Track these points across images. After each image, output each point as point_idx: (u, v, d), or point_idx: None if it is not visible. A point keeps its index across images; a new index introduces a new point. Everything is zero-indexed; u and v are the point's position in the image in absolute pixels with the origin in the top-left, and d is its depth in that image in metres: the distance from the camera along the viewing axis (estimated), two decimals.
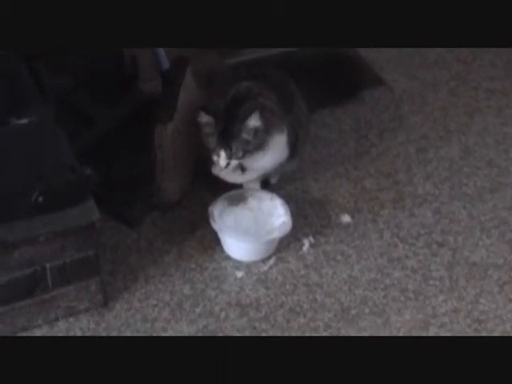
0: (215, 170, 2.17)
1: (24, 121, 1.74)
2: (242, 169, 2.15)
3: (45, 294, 1.89)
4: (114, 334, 1.92)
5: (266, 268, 2.09)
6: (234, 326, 1.95)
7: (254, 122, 2.03)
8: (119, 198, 2.22)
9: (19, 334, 1.90)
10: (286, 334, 1.93)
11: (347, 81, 2.69)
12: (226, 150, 2.04)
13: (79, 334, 1.92)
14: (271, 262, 2.11)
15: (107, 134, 2.30)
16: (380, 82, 2.73)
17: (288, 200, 2.18)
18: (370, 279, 2.06)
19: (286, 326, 1.95)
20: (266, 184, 2.27)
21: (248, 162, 2.10)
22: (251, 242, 2.10)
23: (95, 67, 2.29)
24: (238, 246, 2.10)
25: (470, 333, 1.93)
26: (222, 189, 2.18)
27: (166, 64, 2.28)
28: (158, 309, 1.99)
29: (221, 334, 1.93)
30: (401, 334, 1.92)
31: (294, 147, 2.20)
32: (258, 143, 2.07)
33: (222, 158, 2.06)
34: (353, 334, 1.93)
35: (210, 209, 2.11)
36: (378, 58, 2.81)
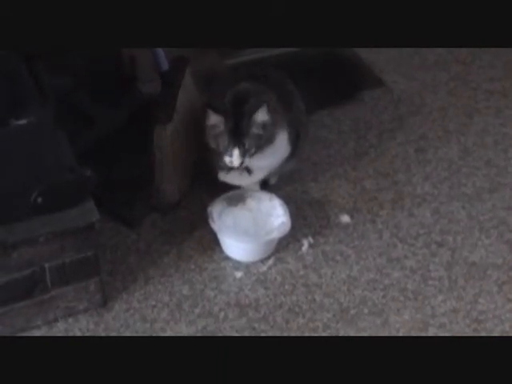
0: (222, 176, 2.18)
1: (23, 121, 1.74)
2: (249, 170, 2.15)
3: (44, 294, 1.89)
4: (113, 334, 1.92)
5: (265, 268, 2.10)
6: (233, 327, 1.95)
7: (262, 115, 2.03)
8: (119, 199, 2.22)
9: (18, 335, 1.90)
10: (285, 335, 1.93)
11: (346, 81, 2.69)
12: (239, 147, 2.03)
13: (78, 334, 1.92)
14: (270, 262, 2.11)
15: (107, 135, 2.30)
16: (379, 83, 2.73)
17: (287, 200, 2.18)
18: (369, 279, 2.06)
19: (285, 326, 1.95)
20: (265, 184, 2.28)
21: (256, 159, 2.09)
22: (250, 242, 2.10)
23: (94, 68, 2.29)
24: (237, 246, 2.10)
25: (469, 333, 1.93)
26: (221, 189, 2.18)
27: (165, 65, 2.28)
28: (157, 309, 1.99)
29: (220, 335, 1.93)
30: (400, 334, 1.93)
31: (295, 145, 2.20)
32: (268, 137, 2.07)
33: (235, 157, 2.04)
34: (352, 334, 1.93)
35: (209, 209, 2.11)
36: (377, 59, 2.81)
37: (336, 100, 2.63)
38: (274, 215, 2.14)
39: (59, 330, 1.93)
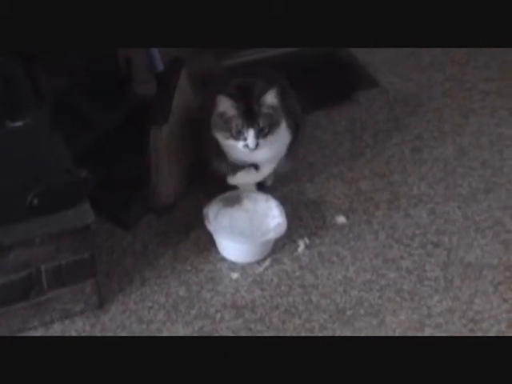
0: (230, 179, 2.19)
1: (19, 123, 1.74)
2: (256, 167, 2.17)
3: (40, 296, 1.89)
4: (110, 336, 1.92)
5: (261, 269, 2.10)
6: (230, 328, 1.95)
7: (271, 97, 2.05)
8: (114, 200, 2.22)
9: (14, 336, 1.90)
10: (282, 335, 1.93)
11: (342, 82, 2.70)
12: (253, 127, 2.04)
13: (75, 335, 1.92)
14: (266, 263, 2.11)
15: (102, 137, 2.30)
16: (375, 84, 2.73)
17: (283, 201, 2.18)
18: (365, 280, 2.07)
19: (281, 327, 1.96)
20: (261, 186, 2.28)
21: (263, 150, 2.09)
22: (246, 243, 2.10)
23: (90, 69, 2.29)
24: (233, 247, 2.10)
25: (465, 333, 1.93)
26: (217, 191, 2.18)
27: (160, 66, 2.28)
28: (154, 311, 1.99)
29: (216, 336, 1.93)
30: (396, 335, 1.93)
31: (295, 135, 2.20)
32: (276, 120, 2.08)
33: (251, 138, 2.04)
34: (348, 334, 1.93)
35: (205, 210, 2.11)
36: (372, 59, 2.81)
37: (332, 101, 2.63)
38: (270, 216, 2.15)
39: (55, 331, 1.93)
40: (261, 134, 2.05)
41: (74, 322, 1.95)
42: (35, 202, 1.81)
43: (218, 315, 1.98)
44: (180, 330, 1.94)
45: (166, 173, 2.17)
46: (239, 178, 2.20)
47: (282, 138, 2.14)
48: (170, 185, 2.20)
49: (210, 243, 2.15)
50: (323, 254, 2.14)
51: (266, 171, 2.21)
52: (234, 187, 2.21)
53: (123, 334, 1.93)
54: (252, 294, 2.03)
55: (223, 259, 2.12)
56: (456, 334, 1.93)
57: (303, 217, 2.24)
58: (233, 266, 2.10)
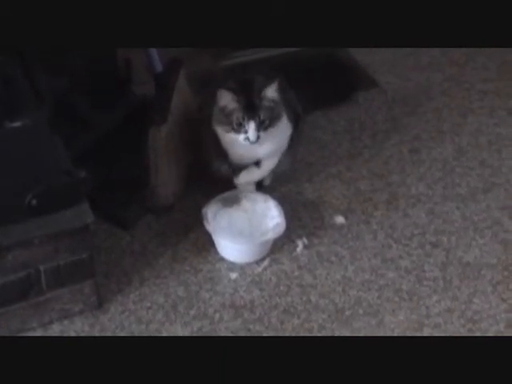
0: (236, 180, 2.20)
1: (18, 124, 1.74)
2: (257, 163, 2.18)
3: (39, 296, 1.89)
4: (109, 336, 1.92)
5: (259, 269, 2.10)
6: (229, 328, 1.95)
7: (272, 90, 2.06)
8: (113, 201, 2.22)
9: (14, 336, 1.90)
10: (281, 335, 1.93)
11: (341, 83, 2.70)
12: (254, 120, 2.05)
13: (74, 336, 1.92)
14: (265, 263, 2.11)
15: (101, 137, 2.30)
16: (373, 84, 2.73)
17: (282, 201, 2.18)
18: (363, 280, 2.07)
19: (280, 327, 1.96)
20: (260, 186, 2.28)
21: (265, 144, 2.09)
22: (245, 243, 2.10)
23: (90, 69, 2.29)
24: (232, 247, 2.10)
25: (463, 333, 1.93)
26: (215, 191, 2.19)
27: (159, 66, 2.28)
28: (153, 311, 1.99)
29: (215, 336, 1.93)
30: (395, 335, 1.93)
31: (295, 128, 2.21)
32: (277, 113, 2.09)
33: (251, 130, 2.05)
34: (347, 334, 1.93)
35: (204, 210, 2.12)
36: (371, 60, 2.81)
37: (330, 101, 2.63)
38: (269, 216, 2.15)
39: (54, 331, 1.93)
40: (261, 126, 2.06)
41: (73, 322, 1.95)
42: (34, 202, 1.81)
43: (217, 315, 1.98)
44: (179, 330, 1.94)
45: (165, 173, 2.17)
46: (242, 178, 2.21)
47: (283, 131, 2.15)
48: (168, 185, 2.20)
49: (208, 243, 2.15)
50: (322, 253, 2.14)
51: (267, 167, 2.21)
52: (232, 187, 2.21)
53: (122, 334, 1.93)
54: (251, 294, 2.03)
55: (222, 259, 2.12)
56: (455, 333, 1.93)
57: (302, 217, 2.24)
58: (232, 266, 2.11)
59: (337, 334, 1.94)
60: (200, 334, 1.93)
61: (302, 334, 1.94)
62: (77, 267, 1.90)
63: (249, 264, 2.11)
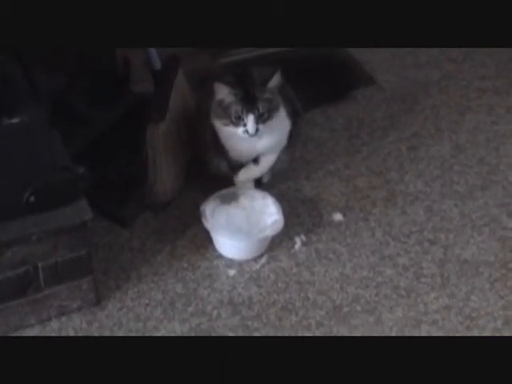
0: (237, 178, 2.20)
1: (16, 120, 1.74)
2: (255, 161, 2.18)
3: (37, 293, 1.89)
4: (107, 333, 1.92)
5: (258, 266, 2.10)
6: (227, 325, 1.95)
7: (276, 81, 2.07)
8: (112, 198, 2.22)
9: (12, 334, 1.90)
10: (279, 333, 1.93)
11: (339, 80, 2.70)
12: (253, 112, 2.04)
13: (72, 333, 1.92)
14: (263, 260, 2.11)
15: (100, 135, 2.30)
16: (372, 82, 2.74)
17: (280, 198, 2.19)
18: (361, 277, 2.07)
19: (278, 324, 1.96)
20: (258, 183, 2.28)
21: (264, 137, 2.09)
22: (243, 240, 2.10)
23: (88, 68, 2.29)
24: (230, 244, 2.10)
25: (461, 330, 1.93)
26: (214, 188, 2.19)
27: (157, 64, 2.28)
28: (151, 308, 1.99)
29: (213, 333, 1.93)
30: (393, 332, 1.93)
31: (294, 122, 2.21)
32: (276, 104, 2.09)
33: (250, 123, 2.04)
34: (345, 331, 1.93)
35: (202, 207, 2.12)
36: (369, 57, 2.82)
37: (329, 98, 2.64)
38: (267, 213, 2.15)
39: (53, 328, 1.93)
40: (260, 119, 2.05)
41: (71, 319, 1.95)
42: (32, 199, 1.81)
43: (215, 312, 1.98)
44: (177, 327, 1.94)
45: (163, 170, 2.18)
46: (242, 176, 2.21)
47: (281, 124, 2.15)
48: (167, 182, 2.20)
49: (206, 240, 2.15)
50: (320, 251, 2.14)
51: (266, 164, 2.21)
52: (231, 184, 2.21)
53: (120, 331, 1.93)
54: (249, 291, 2.04)
55: (220, 256, 2.12)
56: (452, 330, 1.93)
57: (300, 214, 2.24)
58: (230, 263, 2.11)
59: (334, 330, 1.94)
60: (198, 331, 1.93)
61: (299, 331, 1.94)
62: (75, 264, 1.90)
63: (247, 261, 2.11)
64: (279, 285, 2.05)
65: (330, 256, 2.13)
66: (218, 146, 2.16)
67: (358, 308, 1.99)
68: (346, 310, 1.99)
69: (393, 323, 1.95)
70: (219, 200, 2.16)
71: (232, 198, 2.18)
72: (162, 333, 1.93)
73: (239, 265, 2.10)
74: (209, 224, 2.09)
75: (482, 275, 2.07)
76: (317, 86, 2.59)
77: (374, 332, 1.93)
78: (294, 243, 2.16)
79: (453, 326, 1.94)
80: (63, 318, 1.95)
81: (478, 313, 1.98)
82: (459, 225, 2.22)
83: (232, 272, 2.08)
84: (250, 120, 2.05)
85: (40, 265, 1.86)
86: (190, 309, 1.99)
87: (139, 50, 2.31)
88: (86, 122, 2.31)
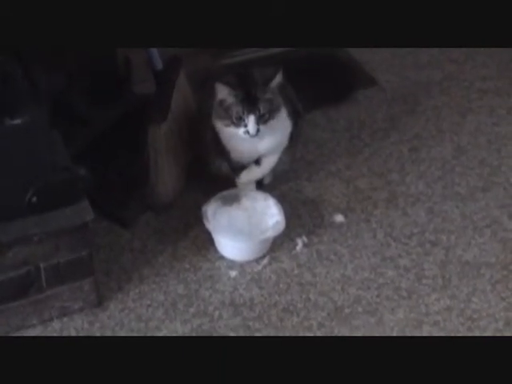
0: (239, 180, 2.20)
1: (17, 121, 1.74)
2: (257, 162, 2.18)
3: (39, 293, 1.89)
4: (108, 333, 1.92)
5: (259, 267, 2.10)
6: (228, 326, 1.95)
7: (278, 81, 2.07)
8: (113, 199, 2.22)
9: (13, 334, 1.90)
10: (280, 334, 1.93)
11: (340, 81, 2.70)
12: (254, 113, 2.04)
13: (73, 333, 1.92)
14: (265, 261, 2.11)
15: (102, 135, 2.30)
16: (373, 83, 2.74)
17: (281, 200, 2.19)
18: (363, 278, 2.07)
19: (279, 325, 1.96)
20: (260, 184, 2.28)
21: (265, 138, 2.09)
22: (245, 241, 2.10)
23: (89, 68, 2.29)
24: (231, 245, 2.10)
25: (462, 331, 1.93)
26: (215, 189, 2.19)
27: (159, 64, 2.28)
28: (152, 309, 1.99)
29: (215, 334, 1.93)
30: (394, 333, 1.93)
31: (295, 122, 2.21)
32: (277, 104, 2.09)
33: (251, 124, 2.04)
34: (346, 332, 1.93)
35: (204, 209, 2.12)
36: (370, 58, 2.82)
37: (330, 99, 2.63)
38: (269, 214, 2.15)
39: (54, 329, 1.93)
40: (261, 119, 2.05)
41: (72, 319, 1.95)
42: (34, 199, 1.81)
43: (217, 313, 1.98)
44: (178, 328, 1.94)
45: (165, 171, 2.17)
46: (244, 177, 2.21)
47: (282, 125, 2.15)
48: (168, 183, 2.20)
49: (208, 241, 2.15)
50: (321, 252, 2.14)
51: (268, 165, 2.21)
52: (232, 185, 2.21)
53: (122, 331, 1.93)
54: (250, 292, 2.04)
55: (222, 257, 2.12)
56: (453, 332, 1.93)
57: (301, 215, 2.24)
58: (231, 264, 2.11)
59: (336, 332, 1.94)
60: (199, 332, 1.93)
61: (301, 332, 1.94)
62: (76, 265, 1.90)
63: (248, 262, 2.11)
64: (281, 286, 2.05)
65: (332, 257, 2.13)
66: (219, 147, 2.16)
67: (360, 309, 1.99)
68: (347, 311, 1.99)
69: (394, 324, 1.95)
70: (221, 201, 2.16)
71: (234, 200, 2.18)
72: (163, 333, 1.93)
73: (241, 266, 2.10)
74: (210, 225, 2.09)
75: (484, 277, 2.07)
76: (318, 87, 2.59)
77: (375, 333, 1.93)
78: (296, 244, 2.16)
79: (454, 328, 1.94)
80: (65, 319, 1.95)
81: (480, 314, 1.98)
82: (460, 226, 2.22)
83: (233, 273, 2.08)
84: (251, 121, 2.05)
85: (42, 265, 1.86)
86: (192, 310, 1.99)
87: (141, 50, 2.31)
88: (86, 122, 2.31)
